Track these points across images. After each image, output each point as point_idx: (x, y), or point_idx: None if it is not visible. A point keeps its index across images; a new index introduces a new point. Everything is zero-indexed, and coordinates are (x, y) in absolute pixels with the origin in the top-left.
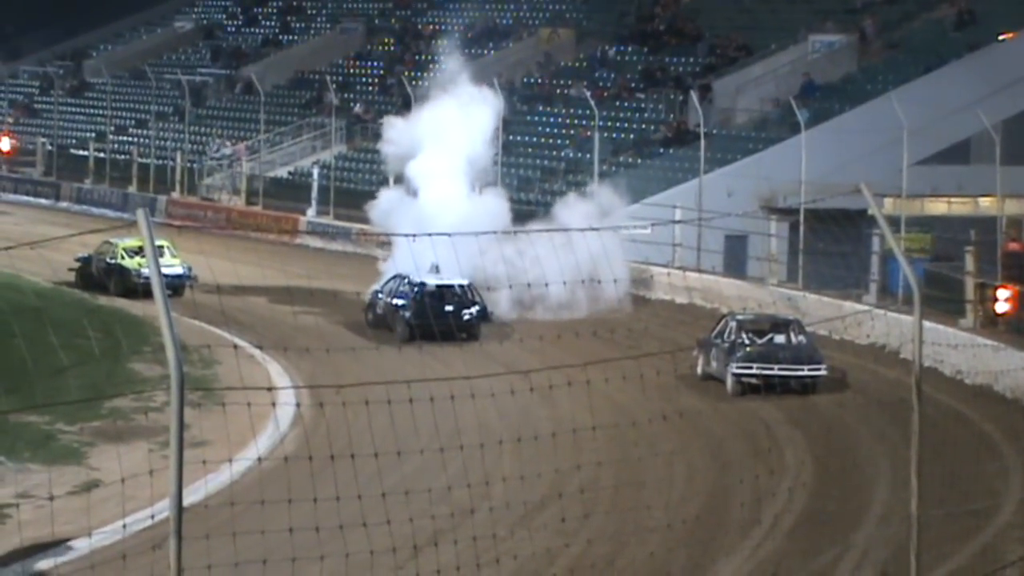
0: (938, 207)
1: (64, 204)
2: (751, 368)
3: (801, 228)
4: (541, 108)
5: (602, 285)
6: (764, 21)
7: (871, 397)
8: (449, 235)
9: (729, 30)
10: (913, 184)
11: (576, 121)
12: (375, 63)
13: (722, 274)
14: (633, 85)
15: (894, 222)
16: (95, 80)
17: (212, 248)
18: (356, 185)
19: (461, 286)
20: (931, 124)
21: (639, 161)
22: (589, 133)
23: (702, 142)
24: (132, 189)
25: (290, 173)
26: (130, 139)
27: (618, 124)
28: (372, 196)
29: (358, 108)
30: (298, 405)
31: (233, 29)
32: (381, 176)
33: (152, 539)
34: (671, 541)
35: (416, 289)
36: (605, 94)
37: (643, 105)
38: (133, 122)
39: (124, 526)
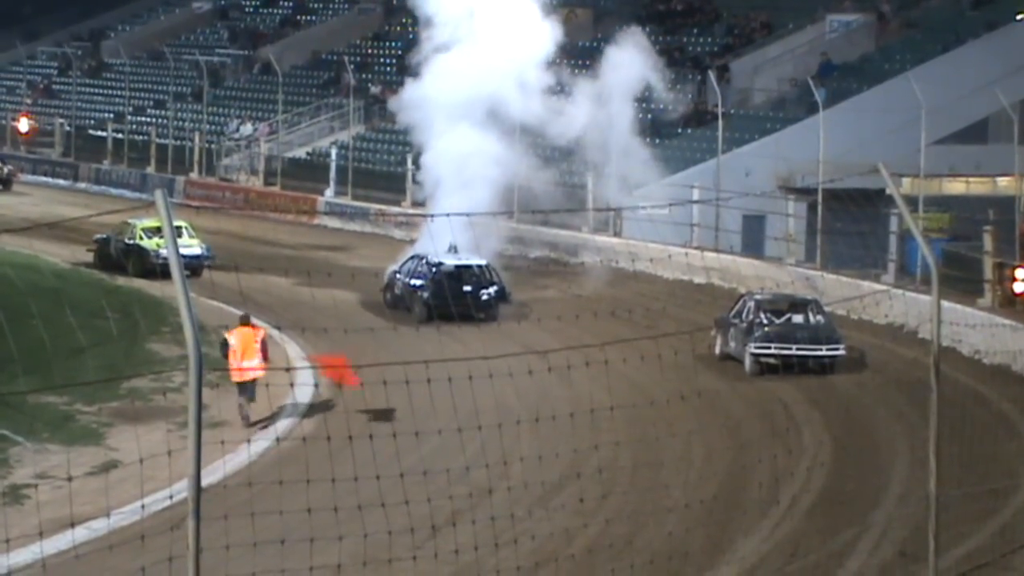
0: (956, 187)
1: (82, 185)
2: (769, 348)
3: (819, 208)
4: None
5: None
6: (782, 1)
7: (889, 377)
8: (468, 215)
9: (747, 10)
10: (931, 164)
11: None
12: (393, 43)
13: (740, 254)
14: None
15: (912, 202)
16: (113, 61)
17: (230, 228)
18: (374, 165)
19: (479, 266)
20: (949, 104)
21: (657, 141)
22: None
23: (720, 122)
24: (150, 169)
25: (308, 153)
26: (148, 120)
27: (636, 104)
28: (391, 176)
29: (376, 89)
30: (316, 385)
31: (251, 9)
32: (399, 156)
33: (170, 519)
34: (689, 521)
35: (434, 269)
36: None
37: (661, 85)
38: (151, 103)
39: (142, 506)
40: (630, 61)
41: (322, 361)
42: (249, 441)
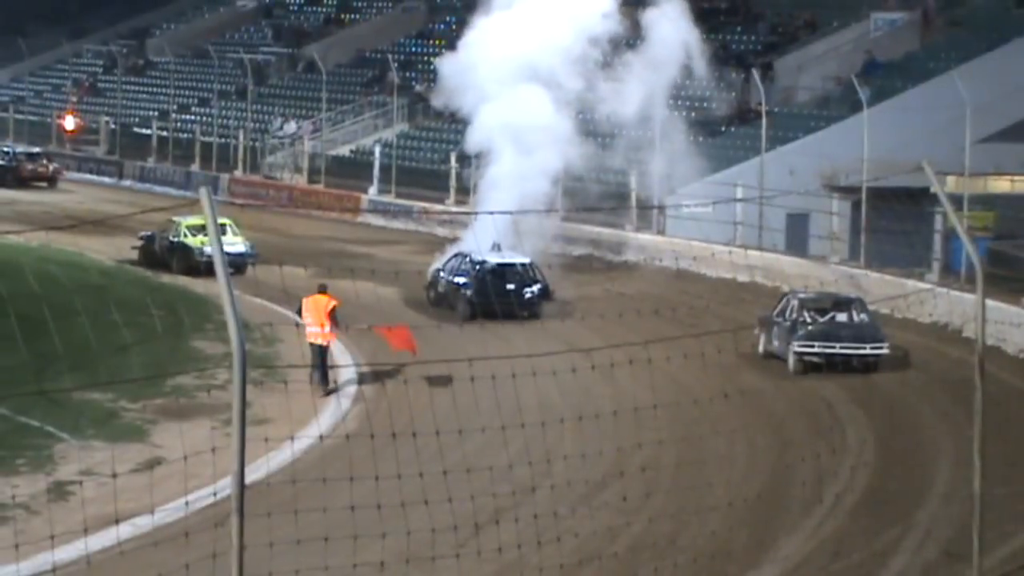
0: (1001, 185)
1: (127, 182)
2: (813, 346)
3: (863, 206)
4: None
5: None
6: None
7: (933, 376)
8: (511, 213)
9: (791, 8)
10: (976, 162)
11: None
12: (437, 41)
13: (784, 252)
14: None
15: (956, 200)
16: (158, 59)
17: (274, 226)
18: (418, 164)
19: (523, 264)
20: (994, 102)
21: (701, 139)
22: (651, 112)
23: (764, 120)
24: (195, 167)
25: (352, 151)
26: (193, 118)
27: (679, 102)
28: (434, 174)
29: (420, 87)
30: (360, 383)
31: (295, 7)
32: (443, 154)
33: (214, 516)
34: (732, 519)
35: (478, 267)
36: None
37: (704, 83)
38: (196, 101)
39: (187, 503)
40: (672, 19)
41: (385, 331)
42: (293, 438)
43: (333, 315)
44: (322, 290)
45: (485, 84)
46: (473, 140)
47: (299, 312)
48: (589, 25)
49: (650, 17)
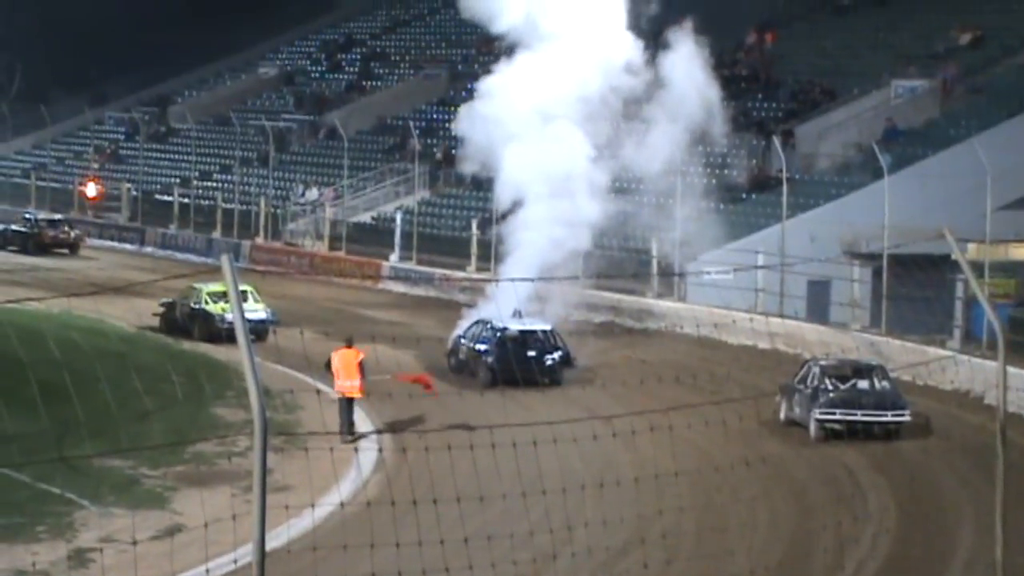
0: (1022, 252)
1: (149, 249)
2: (834, 414)
3: (884, 273)
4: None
5: None
6: (847, 66)
7: (955, 443)
8: (532, 280)
9: (812, 75)
10: (997, 229)
11: None
12: (458, 108)
13: (805, 319)
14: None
15: (978, 267)
16: (180, 126)
17: (295, 293)
18: (439, 230)
19: (544, 331)
20: (1015, 169)
21: (721, 206)
22: (671, 178)
23: (784, 187)
24: (216, 234)
25: (373, 218)
26: (214, 184)
27: (700, 168)
28: (455, 241)
29: (441, 154)
30: (380, 450)
31: (316, 75)
32: (464, 221)
33: None
34: None
35: (498, 334)
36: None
37: (725, 150)
38: (217, 167)
39: (207, 571)
40: (689, 69)
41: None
42: (313, 505)
43: (362, 367)
44: (348, 344)
45: (509, 126)
46: (503, 189)
47: (328, 364)
48: (611, 75)
49: (668, 67)
